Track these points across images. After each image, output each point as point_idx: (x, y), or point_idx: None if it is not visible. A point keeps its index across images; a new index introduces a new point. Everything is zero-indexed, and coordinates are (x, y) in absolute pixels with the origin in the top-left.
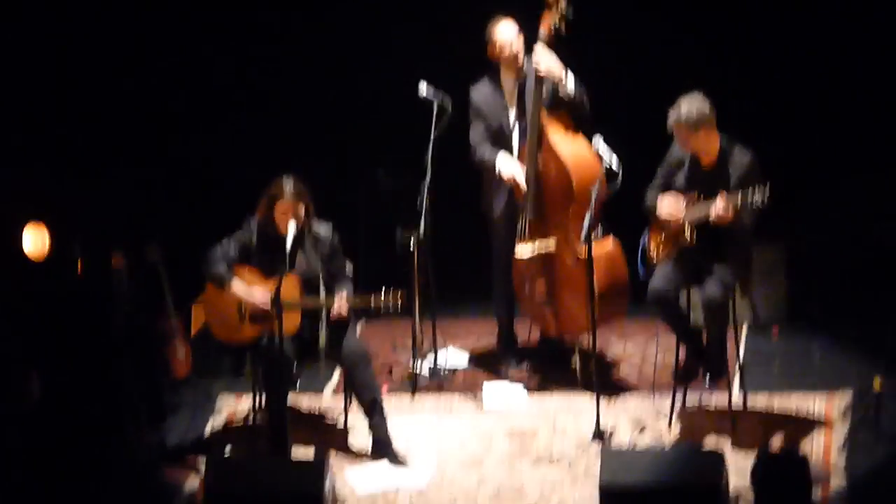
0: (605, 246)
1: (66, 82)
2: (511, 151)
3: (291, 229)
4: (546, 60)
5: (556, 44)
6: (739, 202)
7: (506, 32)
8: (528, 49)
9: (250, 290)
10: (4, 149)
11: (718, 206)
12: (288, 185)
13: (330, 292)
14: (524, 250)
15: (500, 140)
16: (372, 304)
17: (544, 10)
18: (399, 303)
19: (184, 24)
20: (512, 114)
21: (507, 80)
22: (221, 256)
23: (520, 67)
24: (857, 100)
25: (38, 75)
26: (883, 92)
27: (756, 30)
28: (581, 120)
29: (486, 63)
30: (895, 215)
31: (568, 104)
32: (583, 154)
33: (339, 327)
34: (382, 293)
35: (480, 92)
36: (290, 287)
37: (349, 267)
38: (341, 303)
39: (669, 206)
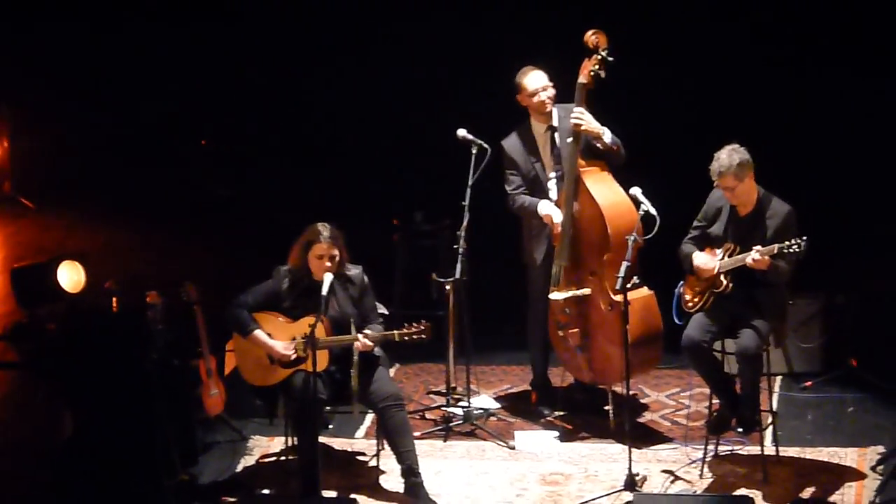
0: (640, 294)
1: (108, 122)
2: (548, 198)
3: (328, 275)
4: (587, 118)
5: (595, 89)
6: (776, 252)
7: (536, 80)
8: (561, 98)
9: (271, 341)
10: (48, 184)
11: (755, 255)
12: (324, 230)
13: (361, 333)
14: (559, 296)
15: (537, 188)
16: (397, 338)
17: (585, 58)
18: (424, 335)
19: (218, 71)
20: (546, 162)
21: (539, 127)
22: (244, 307)
23: (549, 114)
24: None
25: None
26: None
27: (797, 83)
28: (617, 168)
29: (518, 118)
30: None
31: (605, 154)
32: (619, 202)
33: (370, 368)
34: (406, 326)
35: (512, 144)
36: (318, 329)
37: (381, 309)
38: (365, 338)
39: (704, 257)
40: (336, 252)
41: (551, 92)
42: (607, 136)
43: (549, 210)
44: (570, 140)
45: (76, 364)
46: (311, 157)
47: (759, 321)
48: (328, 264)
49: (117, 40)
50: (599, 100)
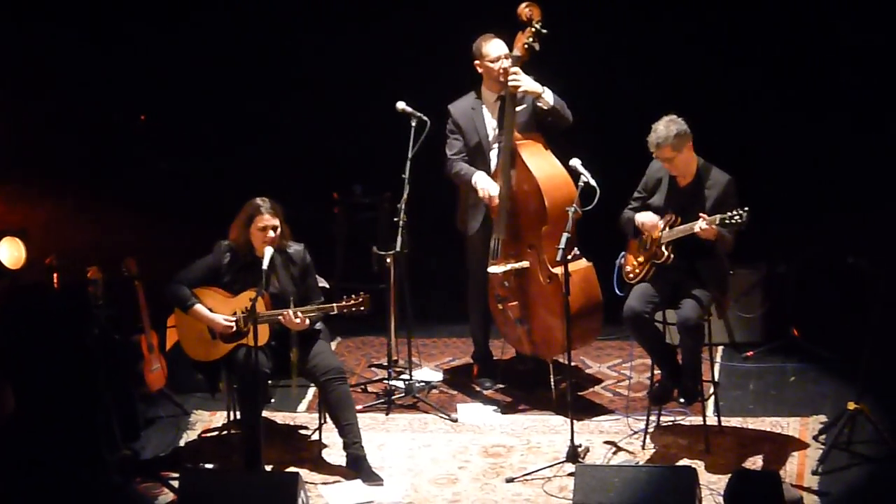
0: (579, 266)
1: (48, 97)
2: (488, 168)
3: (268, 248)
4: (523, 79)
5: (530, 61)
6: (717, 223)
7: (498, 47)
8: None
9: (212, 314)
10: None
11: (702, 224)
12: (264, 203)
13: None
14: (497, 269)
15: (478, 155)
16: (335, 311)
17: (519, 30)
18: (363, 307)
19: (161, 48)
20: (491, 130)
21: (489, 95)
22: (185, 282)
23: (504, 83)
24: (835, 129)
25: (26, 91)
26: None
27: (740, 56)
28: (559, 135)
29: (460, 88)
30: (871, 240)
31: (549, 118)
32: (555, 174)
33: (311, 342)
34: (345, 299)
35: (460, 108)
36: (258, 305)
37: (322, 282)
38: (302, 313)
39: (649, 216)
40: (277, 222)
41: (509, 61)
42: (548, 94)
43: (484, 183)
44: (520, 108)
45: (17, 340)
46: (251, 130)
47: (700, 291)
48: (271, 235)
49: (55, 15)
50: (535, 72)
